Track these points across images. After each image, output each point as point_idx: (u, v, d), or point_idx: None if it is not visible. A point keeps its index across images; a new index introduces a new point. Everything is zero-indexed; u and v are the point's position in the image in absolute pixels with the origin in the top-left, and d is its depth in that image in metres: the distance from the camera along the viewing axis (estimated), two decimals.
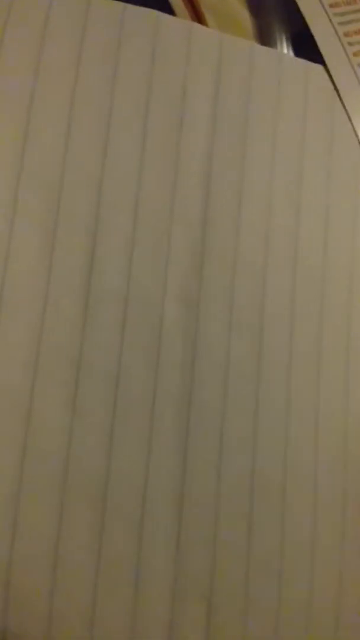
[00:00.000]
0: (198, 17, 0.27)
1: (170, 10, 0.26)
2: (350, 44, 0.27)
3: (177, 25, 0.25)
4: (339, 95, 0.27)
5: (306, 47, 0.27)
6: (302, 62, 0.27)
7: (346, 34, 0.27)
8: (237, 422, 0.23)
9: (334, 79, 0.27)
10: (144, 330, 0.23)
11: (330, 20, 0.27)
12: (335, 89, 0.27)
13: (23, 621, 0.20)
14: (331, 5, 0.27)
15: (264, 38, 0.28)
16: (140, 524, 0.22)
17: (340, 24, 0.27)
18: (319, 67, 0.27)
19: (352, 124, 0.27)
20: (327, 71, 0.27)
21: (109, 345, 0.22)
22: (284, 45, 0.27)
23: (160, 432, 0.22)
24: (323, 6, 0.27)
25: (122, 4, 0.25)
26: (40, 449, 0.21)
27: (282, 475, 0.24)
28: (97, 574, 0.21)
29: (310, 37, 0.27)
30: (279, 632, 0.23)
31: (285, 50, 0.27)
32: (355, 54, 0.27)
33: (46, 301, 0.22)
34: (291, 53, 0.27)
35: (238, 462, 0.23)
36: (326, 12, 0.27)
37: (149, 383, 0.23)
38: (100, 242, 0.23)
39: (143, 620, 0.21)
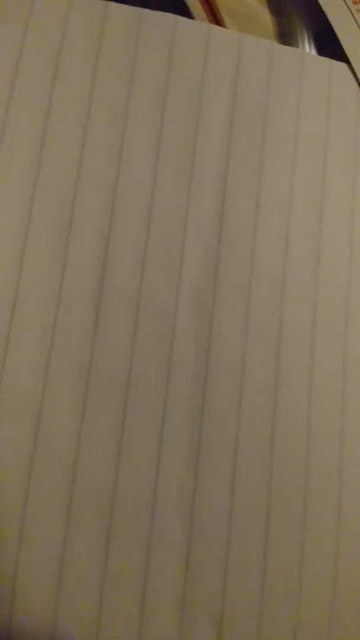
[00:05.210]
0: (217, 20, 0.26)
1: (188, 15, 0.26)
2: None
3: (194, 27, 0.25)
4: None
5: (330, 45, 0.26)
6: (325, 60, 0.26)
7: None
8: (252, 434, 0.22)
9: (359, 77, 0.26)
10: (156, 336, 0.22)
11: (353, 16, 0.26)
12: None
13: (28, 631, 0.20)
14: (354, 2, 0.26)
15: (286, 37, 0.27)
16: (149, 537, 0.21)
17: None
18: (343, 65, 0.26)
19: None
20: (352, 69, 0.26)
21: (119, 351, 0.22)
22: (306, 44, 0.26)
23: (171, 442, 0.22)
24: (345, 3, 0.26)
25: (138, 9, 0.25)
26: (48, 455, 0.21)
27: (302, 491, 0.22)
28: (102, 587, 0.20)
29: (334, 35, 0.26)
30: None
31: (307, 49, 0.26)
32: None
33: (58, 306, 0.22)
34: (314, 52, 0.27)
35: (254, 476, 0.22)
36: (349, 9, 0.26)
37: (160, 391, 0.22)
38: (112, 247, 0.23)
39: (149, 639, 0.20)
